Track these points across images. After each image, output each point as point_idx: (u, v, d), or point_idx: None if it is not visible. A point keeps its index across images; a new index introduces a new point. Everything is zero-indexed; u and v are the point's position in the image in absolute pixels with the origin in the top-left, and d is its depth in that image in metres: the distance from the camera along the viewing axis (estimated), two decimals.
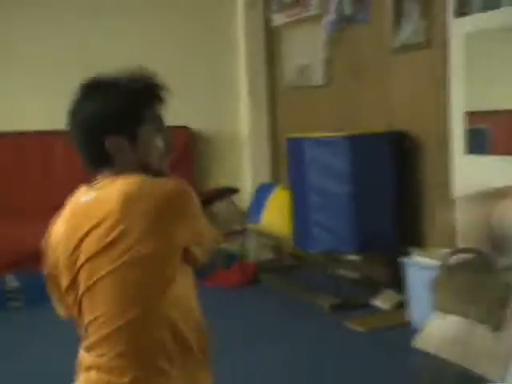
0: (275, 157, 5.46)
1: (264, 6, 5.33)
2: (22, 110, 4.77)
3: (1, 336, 3.79)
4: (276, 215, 4.65)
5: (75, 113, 1.54)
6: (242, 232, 5.03)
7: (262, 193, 4.88)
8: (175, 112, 5.42)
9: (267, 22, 5.35)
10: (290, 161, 4.19)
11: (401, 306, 3.89)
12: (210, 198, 5.13)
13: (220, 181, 5.29)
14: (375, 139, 3.94)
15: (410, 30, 3.93)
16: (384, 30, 4.11)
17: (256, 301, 4.36)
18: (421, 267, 3.48)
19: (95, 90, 1.55)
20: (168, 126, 1.62)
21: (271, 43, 5.37)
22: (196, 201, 1.50)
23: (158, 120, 1.58)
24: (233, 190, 5.22)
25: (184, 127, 5.11)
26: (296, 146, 4.05)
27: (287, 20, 5.14)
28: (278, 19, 5.25)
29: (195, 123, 5.21)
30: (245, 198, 5.32)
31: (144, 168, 1.56)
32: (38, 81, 4.81)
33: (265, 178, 5.37)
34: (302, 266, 4.99)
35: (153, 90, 1.57)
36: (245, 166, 5.47)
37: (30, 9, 4.74)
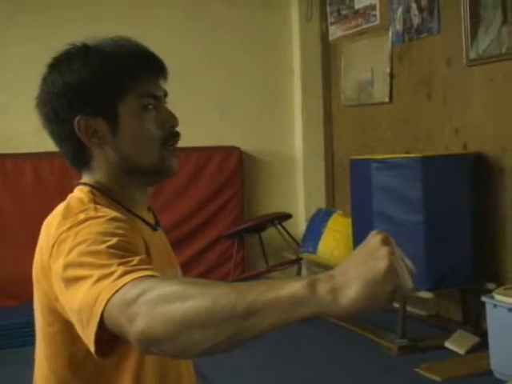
0: (331, 180, 5.07)
1: (320, 19, 4.99)
2: None
3: None
4: (334, 244, 4.25)
5: (38, 93, 1.21)
6: (296, 261, 4.66)
7: (317, 219, 4.49)
8: (225, 132, 5.12)
9: (324, 35, 5.00)
10: (353, 184, 3.80)
11: (476, 349, 3.46)
12: (260, 224, 4.82)
13: (271, 205, 4.95)
14: (450, 162, 3.52)
15: (489, 39, 3.52)
16: (458, 41, 3.71)
17: (313, 337, 3.96)
18: (505, 308, 3.04)
19: (63, 59, 1.19)
20: (171, 113, 1.20)
21: (328, 58, 5.01)
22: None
23: (151, 96, 1.17)
24: (285, 216, 4.93)
25: (234, 147, 4.79)
26: (360, 168, 3.66)
27: (346, 33, 4.78)
28: (336, 32, 4.90)
29: (246, 144, 4.88)
30: (298, 224, 4.96)
31: (130, 167, 1.16)
32: None
33: (319, 202, 4.99)
34: None
35: (142, 56, 1.18)
36: (298, 189, 5.10)
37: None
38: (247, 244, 4.86)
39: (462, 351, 3.49)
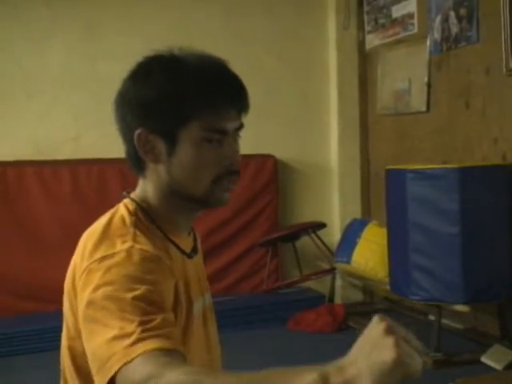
0: (367, 189, 5.02)
1: (357, 27, 4.95)
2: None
3: None
4: (369, 255, 4.20)
5: (118, 89, 1.19)
6: (330, 271, 4.63)
7: (353, 229, 4.45)
8: (261, 140, 5.12)
9: (361, 43, 4.96)
10: (389, 194, 3.75)
11: None
12: (294, 233, 4.78)
13: (306, 214, 4.93)
14: (487, 173, 3.45)
15: None
16: (497, 50, 3.64)
17: (345, 349, 3.88)
18: None
19: (143, 67, 1.18)
20: (238, 149, 1.18)
21: (365, 66, 4.98)
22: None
23: (217, 131, 1.12)
24: (320, 225, 4.90)
25: (269, 155, 4.78)
26: (396, 178, 3.62)
27: (383, 41, 4.74)
28: (373, 40, 4.86)
29: (281, 152, 4.87)
30: (333, 234, 4.92)
31: (178, 192, 1.15)
32: None
33: (355, 212, 4.94)
34: (397, 312, 4.50)
35: (222, 88, 1.12)
36: (333, 198, 5.06)
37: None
38: (281, 253, 4.84)
39: (499, 367, 3.41)
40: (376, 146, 4.94)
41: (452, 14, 4.01)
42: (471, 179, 3.37)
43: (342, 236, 4.58)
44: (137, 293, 0.96)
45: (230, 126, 1.15)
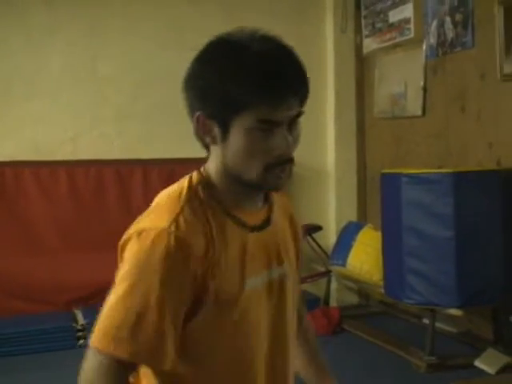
0: (363, 193, 5.04)
1: (355, 31, 4.98)
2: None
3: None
4: (364, 258, 4.22)
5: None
6: (326, 274, 4.64)
7: (348, 232, 4.47)
8: None
9: (358, 47, 4.99)
10: (384, 198, 3.77)
11: (507, 369, 3.39)
12: None
13: (302, 216, 4.89)
14: (482, 177, 3.47)
15: None
16: (492, 55, 3.66)
17: (340, 352, 3.93)
18: None
19: (212, 49, 1.19)
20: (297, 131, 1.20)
21: (362, 70, 5.00)
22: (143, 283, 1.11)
23: (268, 122, 1.13)
24: (316, 228, 4.91)
25: None
26: (391, 182, 3.64)
27: (380, 45, 4.76)
28: (370, 45, 4.88)
29: None
30: (329, 237, 4.94)
31: (232, 175, 1.19)
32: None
33: (351, 215, 4.96)
34: (392, 315, 4.52)
35: (281, 77, 1.13)
36: (330, 201, 5.08)
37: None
38: None
39: (492, 371, 3.43)
40: (372, 150, 4.96)
41: (448, 19, 4.03)
42: (465, 184, 3.39)
43: (337, 239, 4.59)
44: (138, 307, 1.10)
45: (285, 116, 1.16)
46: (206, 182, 1.22)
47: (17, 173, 4.36)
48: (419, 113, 4.32)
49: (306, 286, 4.74)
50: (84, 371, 1.12)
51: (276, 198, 1.35)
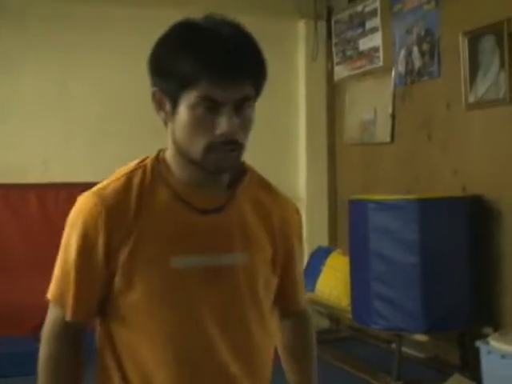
0: (334, 218, 5.09)
1: (326, 59, 5.06)
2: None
3: None
4: (333, 283, 4.25)
5: None
6: None
7: (317, 257, 4.50)
8: None
9: (329, 74, 5.07)
10: (351, 224, 3.82)
11: None
12: None
13: None
14: (448, 204, 3.53)
15: (487, 84, 3.56)
16: (457, 85, 3.75)
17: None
18: (499, 355, 3.02)
19: (169, 29, 1.24)
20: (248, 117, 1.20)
21: (333, 97, 5.08)
22: (69, 239, 1.25)
23: (209, 99, 1.15)
24: None
25: None
26: (358, 208, 3.69)
27: (351, 73, 4.84)
28: (341, 72, 4.96)
29: None
30: None
31: (182, 153, 1.22)
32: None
33: (322, 240, 5.00)
34: (362, 339, 4.54)
35: (223, 54, 1.14)
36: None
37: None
38: None
39: None
40: (343, 176, 5.01)
41: (415, 49, 4.12)
42: (430, 210, 3.44)
43: (306, 264, 4.62)
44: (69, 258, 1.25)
45: (228, 96, 1.16)
46: (159, 159, 1.27)
47: None
48: (388, 139, 4.39)
49: None
50: None
51: (267, 196, 1.36)
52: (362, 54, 4.70)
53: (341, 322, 4.94)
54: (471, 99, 3.67)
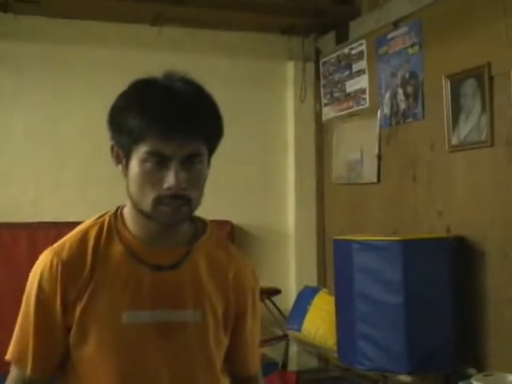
0: (322, 257, 5.12)
1: (314, 100, 5.15)
2: None
3: None
4: (319, 323, 4.26)
5: None
6: (284, 337, 4.65)
7: (304, 296, 4.52)
8: (218, 206, 5.17)
9: (318, 115, 5.15)
10: (336, 264, 3.84)
11: None
12: None
13: (262, 279, 4.91)
14: (431, 245, 3.57)
15: (469, 126, 3.63)
16: (440, 127, 3.82)
17: None
18: None
19: (128, 86, 1.28)
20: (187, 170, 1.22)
21: (321, 137, 5.15)
22: (29, 296, 1.29)
23: (156, 154, 1.18)
24: (274, 291, 4.94)
25: (226, 221, 4.86)
26: (343, 248, 3.72)
27: (338, 114, 4.93)
28: (329, 113, 5.05)
29: (238, 218, 4.96)
30: (288, 300, 4.97)
31: (135, 205, 1.27)
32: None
33: (310, 279, 5.02)
34: (350, 379, 4.53)
35: (171, 112, 1.17)
36: (290, 264, 5.14)
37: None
38: None
39: None
40: (331, 215, 5.06)
41: (400, 91, 4.21)
42: (414, 251, 3.47)
43: (294, 303, 4.63)
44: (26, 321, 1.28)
45: (175, 152, 1.20)
46: (117, 214, 1.32)
47: None
48: (375, 179, 4.45)
49: (265, 350, 4.74)
50: None
51: (224, 255, 1.39)
52: (348, 96, 4.79)
53: (329, 362, 4.93)
54: (454, 141, 3.73)
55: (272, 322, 4.79)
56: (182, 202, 1.23)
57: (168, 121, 1.18)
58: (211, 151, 1.28)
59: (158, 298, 1.28)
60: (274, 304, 4.73)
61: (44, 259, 1.29)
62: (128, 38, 4.75)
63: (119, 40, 4.74)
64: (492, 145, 3.49)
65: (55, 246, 1.30)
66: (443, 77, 3.78)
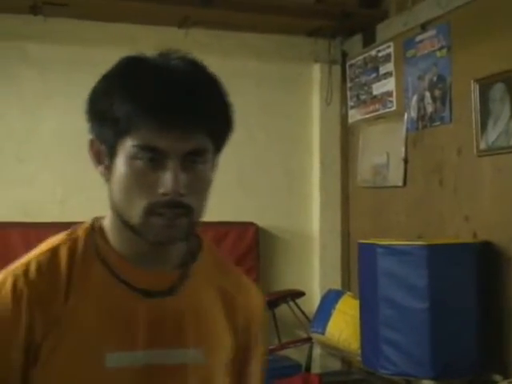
0: (347, 260, 5.10)
1: (340, 102, 5.14)
2: None
3: None
4: (343, 326, 4.25)
5: None
6: (308, 340, 4.66)
7: (328, 299, 4.51)
8: (243, 207, 5.22)
9: (343, 118, 5.14)
10: (361, 268, 3.83)
11: None
12: (273, 301, 4.83)
13: (286, 282, 4.99)
14: (457, 250, 3.54)
15: (497, 131, 3.59)
16: (468, 131, 3.79)
17: None
18: None
19: (111, 67, 1.00)
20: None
21: (347, 140, 5.14)
22: None
23: (149, 149, 0.91)
24: (298, 293, 4.95)
25: (251, 223, 4.88)
26: (367, 252, 3.71)
27: (364, 116, 4.91)
28: (355, 115, 5.03)
29: (264, 220, 4.97)
30: (313, 303, 4.97)
31: (120, 217, 0.96)
32: None
33: (334, 282, 5.01)
34: (373, 382, 4.51)
35: (168, 97, 0.90)
36: (314, 267, 5.14)
37: None
38: None
39: None
40: (356, 218, 5.04)
41: (427, 94, 4.18)
42: (439, 256, 3.45)
43: (318, 306, 4.63)
44: None
45: (174, 146, 0.93)
46: (95, 228, 1.05)
47: (4, 234, 4.43)
48: (400, 183, 4.42)
49: (290, 352, 4.74)
50: None
51: (230, 283, 1.10)
52: (375, 99, 4.77)
53: (352, 364, 4.91)
54: (482, 146, 3.70)
55: (296, 325, 4.79)
56: (180, 211, 0.95)
57: (164, 107, 0.91)
58: (217, 149, 1.00)
59: (153, 333, 0.99)
60: (298, 306, 4.73)
61: (1, 283, 0.98)
62: (155, 41, 4.79)
63: (147, 42, 4.77)
64: None
65: (14, 267, 0.99)
66: (471, 81, 3.75)
